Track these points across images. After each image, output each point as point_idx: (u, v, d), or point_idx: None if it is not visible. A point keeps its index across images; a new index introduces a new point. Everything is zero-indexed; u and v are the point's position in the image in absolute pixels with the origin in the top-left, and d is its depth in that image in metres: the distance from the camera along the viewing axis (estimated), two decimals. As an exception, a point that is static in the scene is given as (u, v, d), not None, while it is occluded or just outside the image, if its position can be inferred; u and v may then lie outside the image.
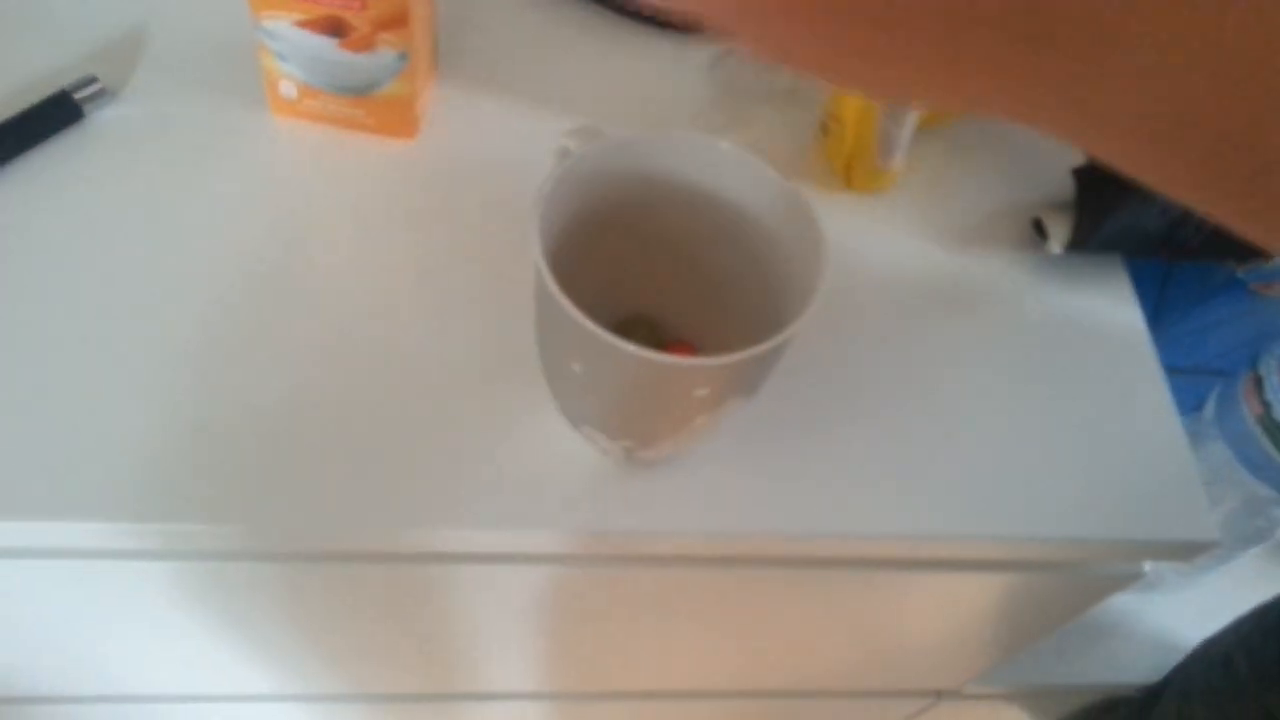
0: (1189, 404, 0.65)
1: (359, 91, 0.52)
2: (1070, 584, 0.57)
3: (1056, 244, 0.54)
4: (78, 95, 0.52)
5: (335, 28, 0.48)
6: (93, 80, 0.52)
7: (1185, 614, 0.86)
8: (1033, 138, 0.59)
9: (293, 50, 0.50)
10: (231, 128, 0.54)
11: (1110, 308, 0.55)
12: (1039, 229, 0.55)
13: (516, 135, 0.56)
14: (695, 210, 0.42)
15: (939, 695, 0.81)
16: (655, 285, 0.47)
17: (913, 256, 0.56)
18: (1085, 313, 0.55)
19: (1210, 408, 0.67)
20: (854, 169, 0.55)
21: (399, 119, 0.53)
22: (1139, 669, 0.84)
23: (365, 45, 0.49)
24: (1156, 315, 0.57)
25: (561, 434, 0.47)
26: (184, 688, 0.70)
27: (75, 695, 0.69)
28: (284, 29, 0.49)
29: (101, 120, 0.53)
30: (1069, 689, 0.85)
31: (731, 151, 0.40)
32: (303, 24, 0.48)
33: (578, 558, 0.50)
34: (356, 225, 0.52)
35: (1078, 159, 0.55)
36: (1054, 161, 0.59)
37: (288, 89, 0.52)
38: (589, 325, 0.35)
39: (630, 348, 0.34)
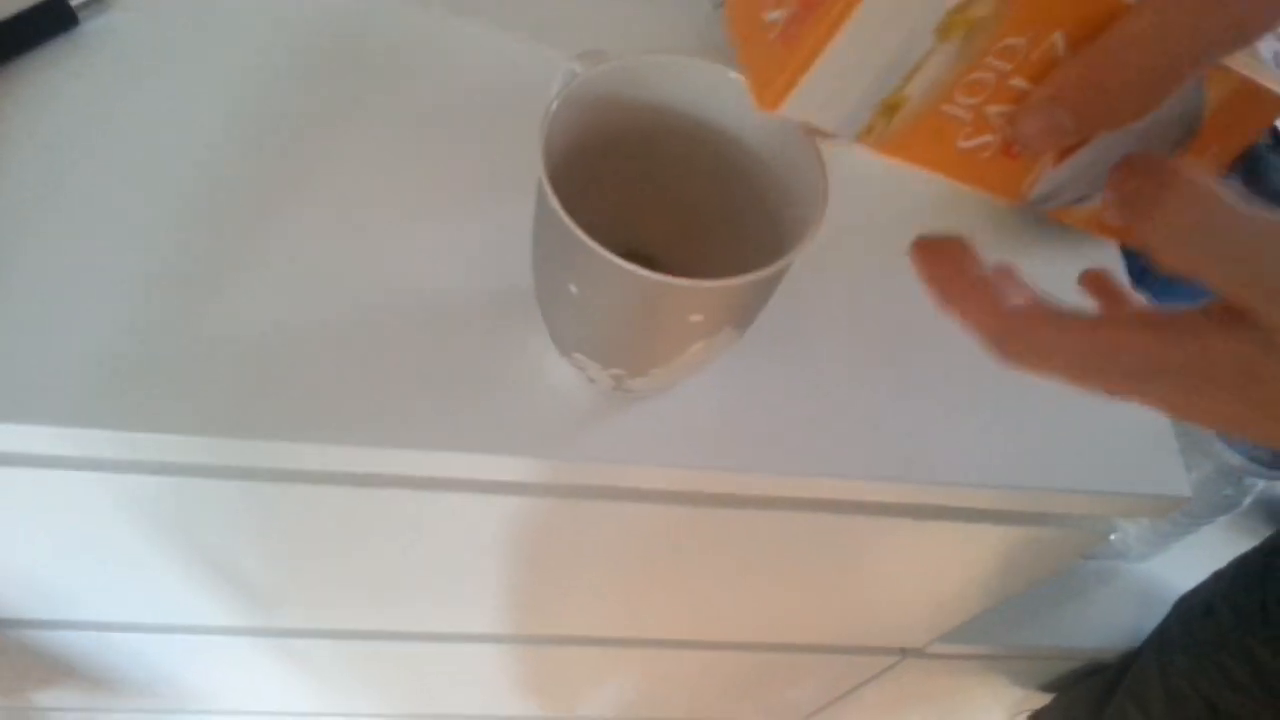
0: (1167, 372, 0.65)
1: None
2: (1040, 539, 0.58)
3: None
4: (74, 1, 0.51)
5: None
6: (90, -14, 0.51)
7: (1152, 583, 0.88)
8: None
9: None
10: (227, 38, 0.53)
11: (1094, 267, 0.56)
12: (1032, 186, 0.56)
13: (517, 67, 0.56)
14: (697, 140, 0.42)
15: (904, 653, 0.83)
16: (652, 220, 0.47)
17: (913, 205, 0.56)
18: (1070, 273, 0.56)
19: (1187, 376, 0.68)
20: None
21: None
22: (1107, 635, 0.86)
23: None
24: (1140, 278, 0.58)
25: (549, 363, 0.47)
26: (149, 616, 0.69)
27: (42, 620, 0.69)
28: None
29: (97, 28, 0.52)
30: (1036, 651, 0.87)
31: (738, 81, 0.40)
32: None
33: (557, 488, 0.51)
34: (355, 151, 0.51)
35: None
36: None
37: None
38: (590, 243, 0.35)
39: (628, 266, 0.35)
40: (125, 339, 0.44)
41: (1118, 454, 0.51)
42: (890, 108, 0.29)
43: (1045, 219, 0.35)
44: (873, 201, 0.56)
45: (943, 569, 0.63)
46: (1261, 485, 0.72)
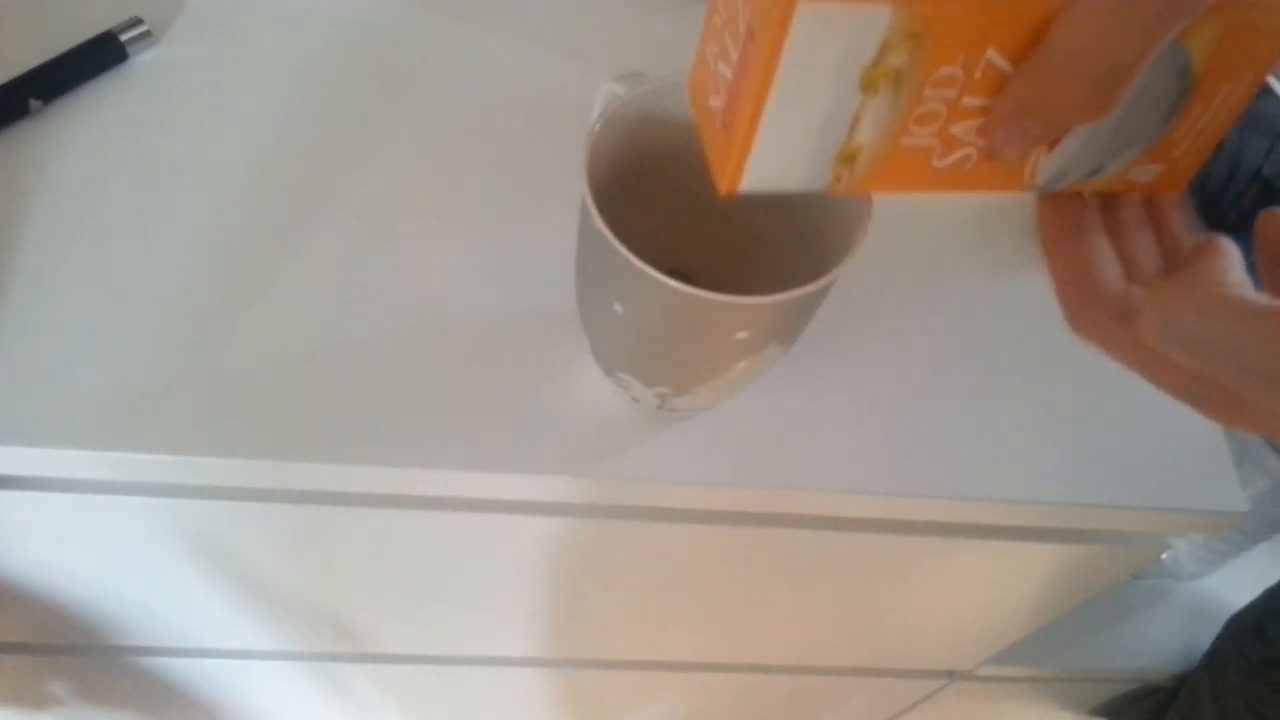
0: (1217, 386, 0.64)
1: None
2: (1092, 556, 0.57)
3: (1093, 214, 0.54)
4: (123, 37, 0.52)
5: None
6: (138, 22, 0.53)
7: (1206, 602, 0.86)
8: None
9: None
10: (271, 68, 0.54)
11: (1144, 281, 0.55)
12: (1075, 199, 0.55)
13: (554, 83, 0.56)
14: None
15: (952, 675, 0.81)
16: (693, 240, 0.47)
17: (950, 221, 0.56)
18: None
19: (1238, 390, 0.66)
20: None
21: None
22: (1160, 655, 0.84)
23: None
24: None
25: (592, 382, 0.47)
26: (185, 640, 0.70)
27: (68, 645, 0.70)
28: None
29: (145, 62, 0.53)
30: (1087, 673, 0.85)
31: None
32: None
33: (601, 508, 0.51)
34: (395, 171, 0.52)
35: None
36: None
37: None
38: (635, 261, 0.35)
39: (675, 284, 0.35)
40: (168, 363, 0.45)
41: (1171, 469, 0.50)
42: (847, 158, 0.30)
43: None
44: (916, 215, 0.56)
45: (993, 588, 0.62)
46: (1317, 501, 0.70)
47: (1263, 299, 0.25)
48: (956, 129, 0.29)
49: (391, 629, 0.68)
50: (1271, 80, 0.65)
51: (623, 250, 0.35)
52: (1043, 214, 0.32)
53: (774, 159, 0.29)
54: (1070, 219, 0.32)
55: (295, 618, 0.65)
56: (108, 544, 0.54)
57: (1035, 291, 0.54)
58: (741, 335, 0.37)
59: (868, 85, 0.27)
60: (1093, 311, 0.30)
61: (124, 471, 0.44)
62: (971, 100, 0.29)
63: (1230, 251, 0.27)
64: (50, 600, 0.62)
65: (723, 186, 0.30)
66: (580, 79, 0.57)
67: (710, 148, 0.31)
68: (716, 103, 0.30)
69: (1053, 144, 0.31)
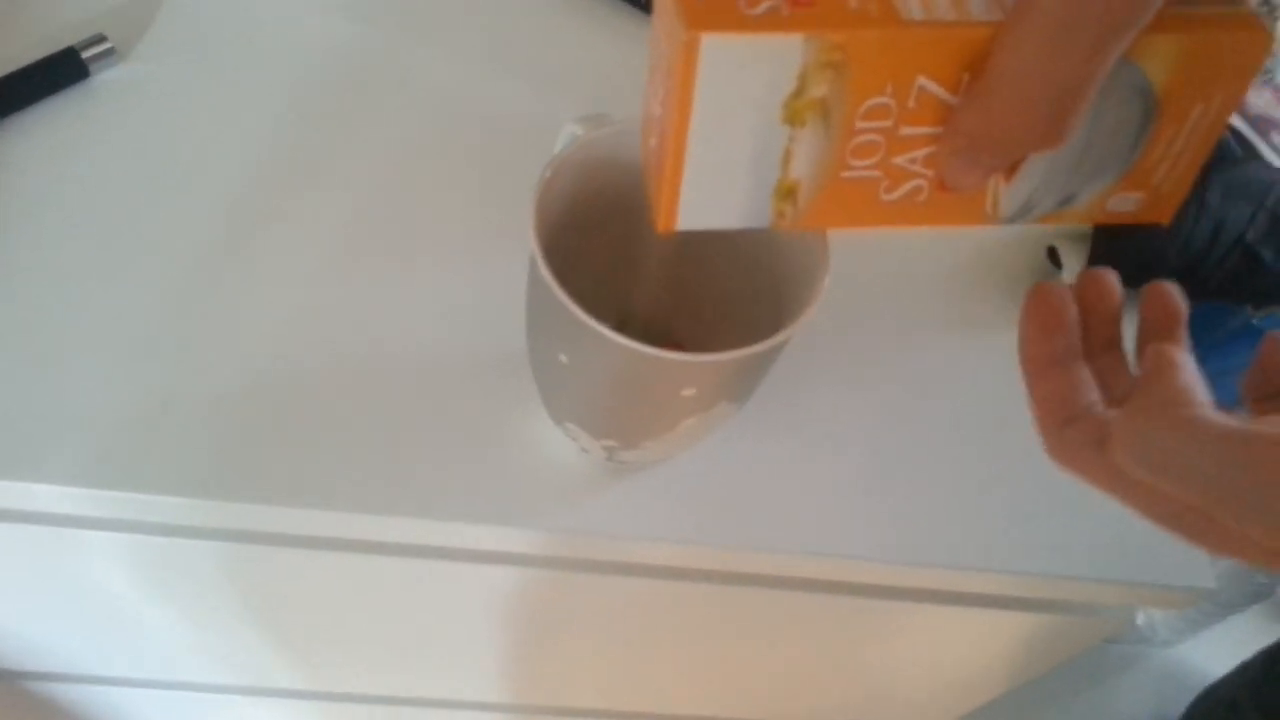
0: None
1: None
2: (1060, 626, 0.55)
3: (1070, 274, 0.53)
4: (85, 54, 0.51)
5: None
6: (101, 39, 0.52)
7: (1179, 670, 0.84)
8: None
9: None
10: (236, 99, 0.53)
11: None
12: (1053, 258, 0.54)
13: (521, 121, 0.55)
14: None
15: (919, 735, 0.79)
16: (652, 287, 0.46)
17: (922, 279, 0.54)
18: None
19: (1216, 458, 0.65)
20: None
21: None
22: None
23: None
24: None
25: (542, 432, 0.45)
26: (140, 672, 0.68)
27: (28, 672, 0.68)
28: None
29: (107, 80, 0.52)
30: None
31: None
32: None
33: (549, 559, 0.49)
34: (354, 201, 0.51)
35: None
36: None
37: None
38: (578, 313, 0.33)
39: (618, 339, 0.33)
40: (105, 394, 0.43)
41: (1141, 541, 0.48)
42: (786, 193, 0.29)
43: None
44: (883, 274, 0.54)
45: (959, 652, 0.60)
46: (1296, 572, 0.68)
47: (1233, 421, 0.24)
48: (899, 160, 0.28)
49: (347, 670, 0.66)
50: (1259, 143, 0.64)
51: (567, 301, 0.33)
52: (1025, 339, 0.31)
53: (707, 195, 0.29)
54: (1053, 346, 0.30)
55: (251, 655, 0.63)
56: (44, 575, 0.52)
57: (1003, 355, 0.52)
58: (689, 392, 0.36)
59: (793, 117, 0.27)
60: (1072, 437, 0.29)
61: (84, 506, 0.43)
62: (910, 130, 0.28)
63: (1187, 364, 0.26)
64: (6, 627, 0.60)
65: (659, 225, 0.30)
66: (549, 111, 0.56)
67: (650, 186, 0.30)
68: (653, 141, 0.29)
69: (1011, 172, 0.29)
